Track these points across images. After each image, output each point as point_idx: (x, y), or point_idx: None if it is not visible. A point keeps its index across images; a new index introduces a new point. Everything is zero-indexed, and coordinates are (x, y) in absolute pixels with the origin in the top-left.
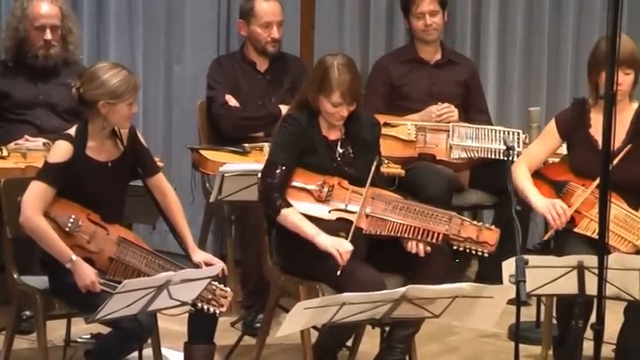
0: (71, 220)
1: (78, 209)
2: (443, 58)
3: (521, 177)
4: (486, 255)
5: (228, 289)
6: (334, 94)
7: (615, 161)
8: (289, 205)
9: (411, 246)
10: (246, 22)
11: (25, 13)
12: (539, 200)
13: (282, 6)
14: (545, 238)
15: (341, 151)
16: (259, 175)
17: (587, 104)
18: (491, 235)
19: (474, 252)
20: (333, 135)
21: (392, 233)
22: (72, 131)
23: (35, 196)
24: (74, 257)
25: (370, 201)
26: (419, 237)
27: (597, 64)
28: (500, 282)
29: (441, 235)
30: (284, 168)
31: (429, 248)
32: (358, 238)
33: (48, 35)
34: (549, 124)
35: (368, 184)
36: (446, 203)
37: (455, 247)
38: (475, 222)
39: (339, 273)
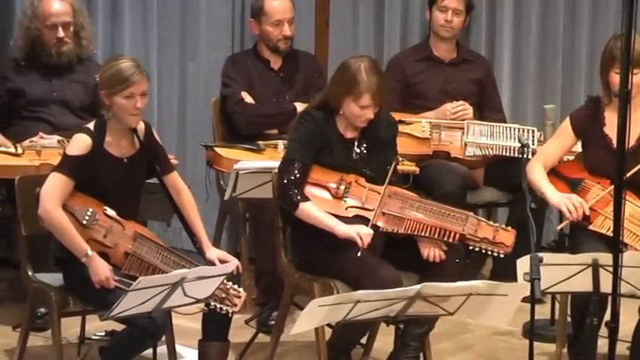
0: (88, 214)
1: (95, 204)
2: (458, 56)
3: (537, 175)
4: (502, 256)
5: (241, 289)
6: (364, 97)
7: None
8: (307, 199)
9: (428, 253)
10: (257, 21)
11: (36, 12)
12: (555, 194)
13: (292, 3)
14: (560, 227)
15: (358, 150)
16: (276, 171)
17: (601, 102)
18: (507, 236)
19: (489, 253)
20: (350, 134)
21: (409, 231)
22: (91, 125)
23: (54, 188)
24: (90, 252)
25: (387, 199)
26: (435, 236)
27: (606, 64)
28: (515, 280)
29: (457, 235)
30: (301, 164)
31: (444, 255)
32: (375, 235)
33: (60, 33)
34: (564, 123)
35: (387, 183)
36: (460, 201)
37: (470, 247)
38: (492, 222)
39: (359, 254)
